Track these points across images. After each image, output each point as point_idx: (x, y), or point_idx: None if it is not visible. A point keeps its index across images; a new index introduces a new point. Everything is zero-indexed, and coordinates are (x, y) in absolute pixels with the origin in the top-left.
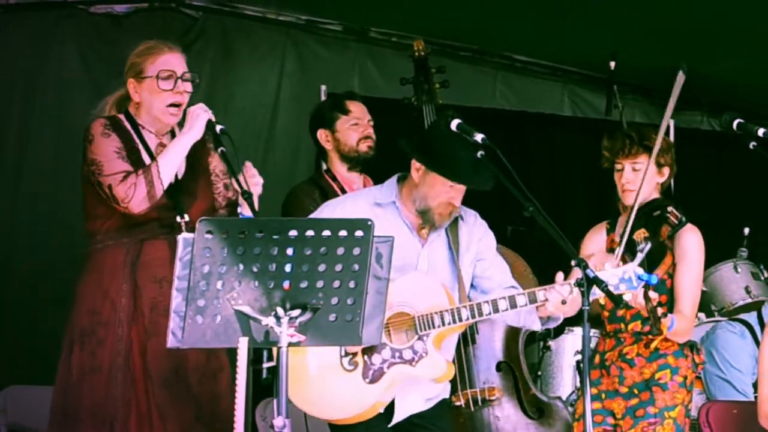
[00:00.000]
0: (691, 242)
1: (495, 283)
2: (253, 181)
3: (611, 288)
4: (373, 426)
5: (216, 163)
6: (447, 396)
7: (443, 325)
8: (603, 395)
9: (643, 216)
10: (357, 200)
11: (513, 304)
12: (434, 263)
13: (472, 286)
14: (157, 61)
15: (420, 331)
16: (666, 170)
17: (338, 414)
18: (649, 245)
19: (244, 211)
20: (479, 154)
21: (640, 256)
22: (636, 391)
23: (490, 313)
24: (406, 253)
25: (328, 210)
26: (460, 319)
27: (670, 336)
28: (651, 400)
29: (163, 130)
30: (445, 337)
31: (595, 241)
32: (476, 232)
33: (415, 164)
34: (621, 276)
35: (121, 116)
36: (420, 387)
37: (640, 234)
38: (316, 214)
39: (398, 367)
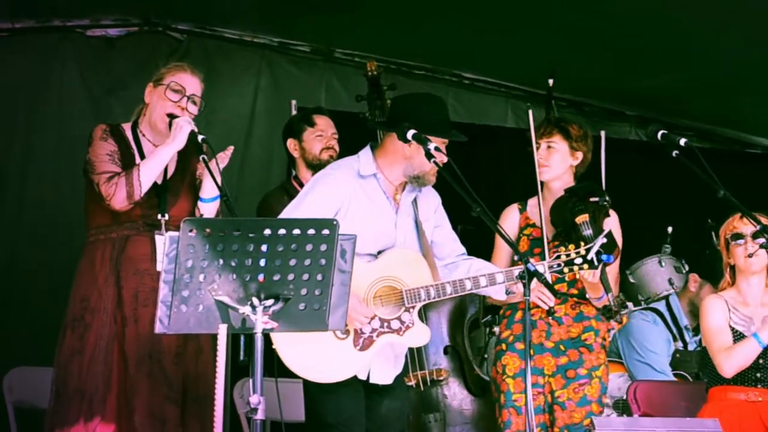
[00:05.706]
0: (615, 223)
1: (449, 250)
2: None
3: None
4: (349, 385)
5: (201, 169)
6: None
7: (429, 299)
8: (532, 351)
9: (579, 200)
10: (342, 172)
11: (492, 282)
12: (404, 230)
13: None
14: (176, 75)
15: (407, 304)
16: (579, 155)
17: (329, 377)
18: (609, 229)
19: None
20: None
21: (601, 239)
22: (563, 348)
23: (471, 289)
24: (385, 220)
25: (320, 184)
26: (444, 294)
27: (596, 303)
28: (580, 361)
29: (158, 137)
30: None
31: (508, 222)
32: (432, 203)
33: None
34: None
35: (126, 126)
36: (391, 357)
37: (583, 218)
38: (310, 185)
39: (387, 336)
